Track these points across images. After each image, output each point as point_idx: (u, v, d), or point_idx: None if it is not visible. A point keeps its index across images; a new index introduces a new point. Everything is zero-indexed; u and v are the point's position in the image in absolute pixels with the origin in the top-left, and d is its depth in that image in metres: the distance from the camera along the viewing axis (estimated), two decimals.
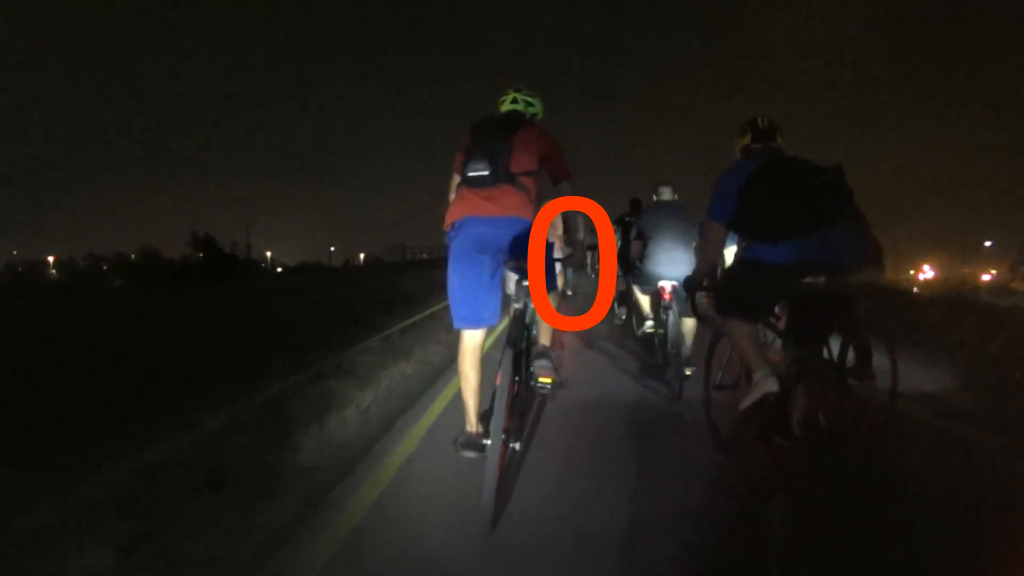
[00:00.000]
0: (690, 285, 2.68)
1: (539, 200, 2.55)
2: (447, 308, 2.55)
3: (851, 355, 2.32)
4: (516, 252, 2.43)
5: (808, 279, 2.24)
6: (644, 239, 4.54)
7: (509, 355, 2.36)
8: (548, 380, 2.64)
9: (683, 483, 2.61)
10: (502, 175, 2.41)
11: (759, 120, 2.63)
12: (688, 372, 3.92)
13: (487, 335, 2.51)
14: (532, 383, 2.71)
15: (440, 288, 3.10)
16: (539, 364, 2.67)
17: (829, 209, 2.23)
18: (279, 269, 65.59)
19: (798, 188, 2.26)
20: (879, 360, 3.12)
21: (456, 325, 2.47)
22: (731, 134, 2.80)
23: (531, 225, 2.44)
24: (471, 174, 2.42)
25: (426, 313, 8.47)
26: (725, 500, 2.44)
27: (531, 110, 2.80)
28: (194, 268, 45.94)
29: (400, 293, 12.57)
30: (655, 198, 4.69)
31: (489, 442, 2.19)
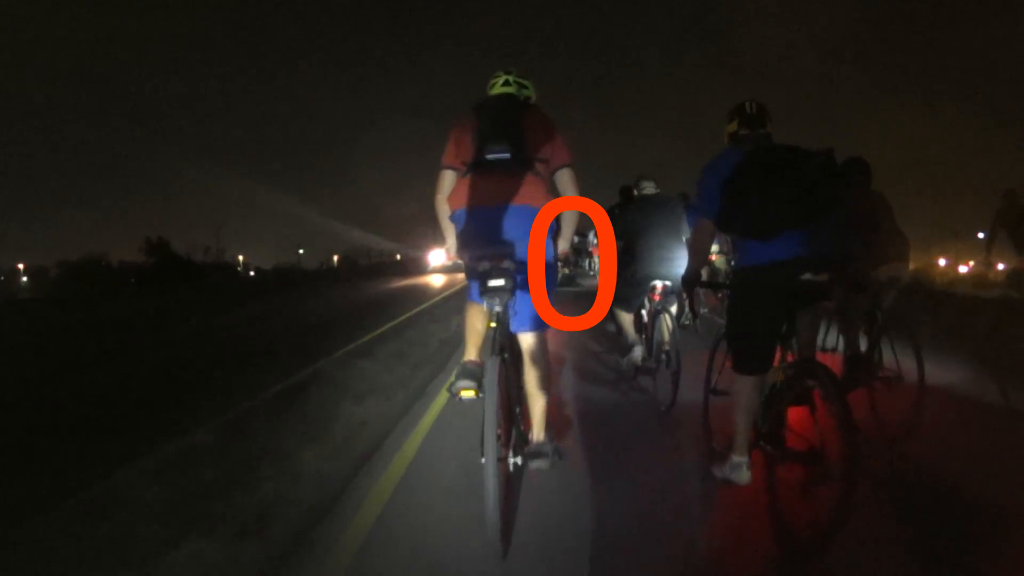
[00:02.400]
0: (689, 282, 2.51)
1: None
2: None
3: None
4: (523, 242, 2.27)
5: (808, 275, 2.07)
6: (629, 238, 4.14)
7: (494, 366, 2.07)
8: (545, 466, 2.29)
9: (675, 491, 2.51)
10: (523, 159, 2.27)
11: (747, 105, 2.47)
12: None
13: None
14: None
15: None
16: (534, 464, 2.24)
17: (823, 199, 2.08)
18: (251, 273, 59.60)
19: (787, 178, 2.10)
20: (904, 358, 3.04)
21: (471, 297, 2.47)
22: (719, 122, 2.64)
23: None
24: (491, 156, 2.26)
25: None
26: (714, 510, 2.33)
27: (525, 92, 2.59)
28: (146, 274, 42.38)
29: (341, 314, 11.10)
30: (637, 194, 4.41)
31: (484, 459, 1.92)
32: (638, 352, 4.06)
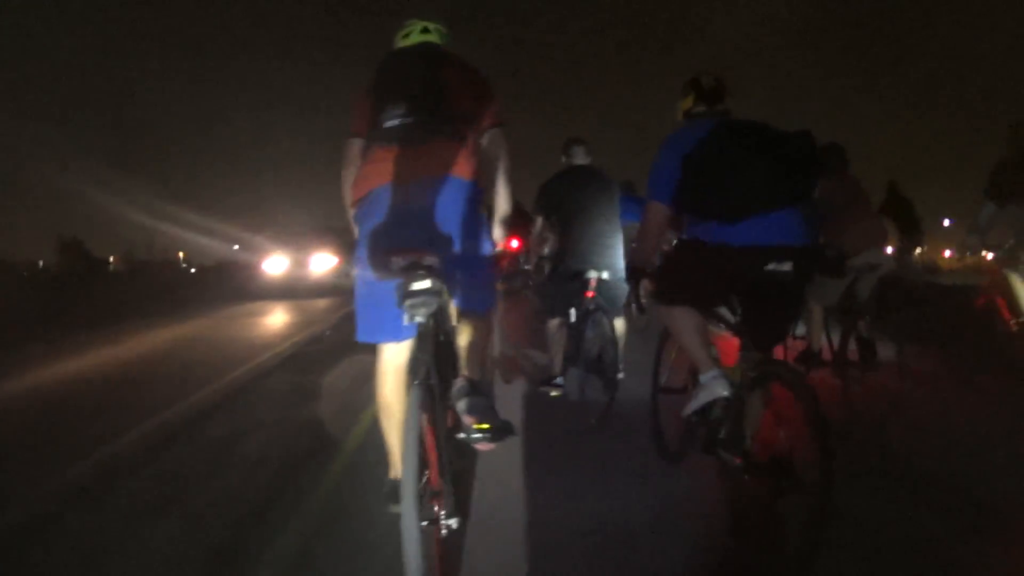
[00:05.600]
0: (634, 273, 2.28)
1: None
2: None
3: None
4: (449, 225, 1.77)
5: (772, 266, 1.85)
6: (563, 219, 3.38)
7: (417, 395, 1.52)
8: (484, 426, 1.72)
9: (618, 499, 2.26)
10: (434, 123, 1.80)
11: (703, 78, 2.24)
12: (619, 375, 3.29)
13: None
14: (460, 435, 1.78)
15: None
16: (467, 404, 1.75)
17: (799, 184, 1.89)
18: (192, 271, 47.11)
19: (764, 158, 1.90)
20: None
21: (364, 337, 1.83)
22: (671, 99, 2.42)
23: (472, 187, 1.82)
24: (389, 124, 1.78)
25: None
26: (663, 519, 2.11)
27: (445, 41, 2.14)
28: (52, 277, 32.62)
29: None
30: (565, 160, 3.58)
31: (407, 522, 1.37)
32: (560, 380, 3.44)
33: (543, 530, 2.04)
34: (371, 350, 1.89)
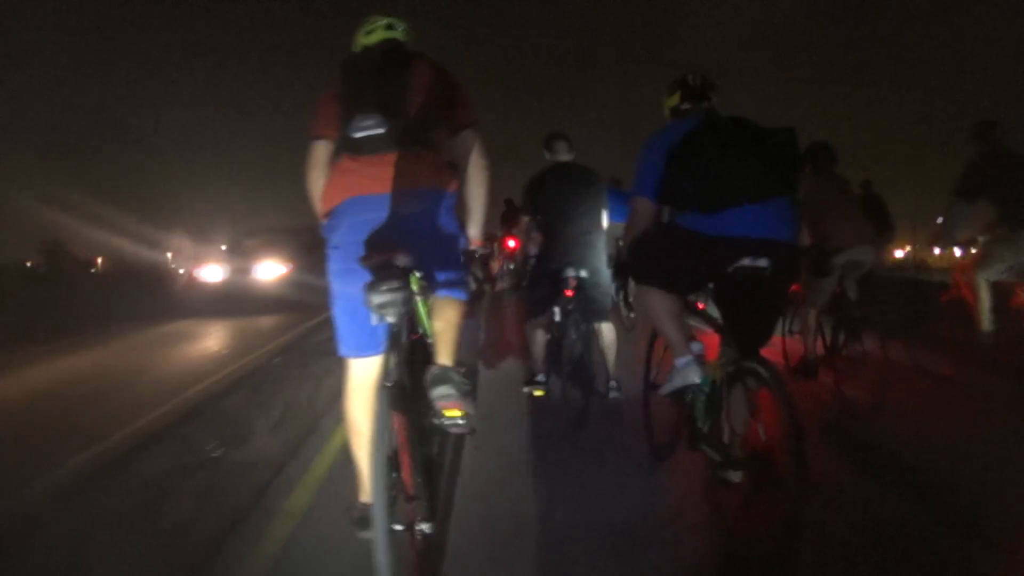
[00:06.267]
0: (622, 270, 2.27)
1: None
2: None
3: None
4: (424, 237, 1.73)
5: (747, 260, 1.86)
6: (547, 216, 3.33)
7: (388, 397, 1.51)
8: (457, 413, 1.71)
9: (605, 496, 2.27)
10: (403, 131, 1.74)
11: (690, 77, 2.27)
12: (613, 393, 3.25)
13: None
14: (435, 421, 1.76)
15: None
16: (440, 392, 1.70)
17: (779, 178, 1.90)
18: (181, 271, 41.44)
19: (744, 151, 1.91)
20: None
21: (345, 352, 1.79)
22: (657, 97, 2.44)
23: (444, 196, 1.78)
24: (358, 135, 1.72)
25: None
26: (647, 519, 2.12)
27: (410, 37, 2.04)
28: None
29: None
30: (548, 156, 3.50)
31: (378, 528, 1.37)
32: (541, 378, 3.39)
33: (522, 530, 2.05)
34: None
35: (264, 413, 3.51)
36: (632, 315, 5.38)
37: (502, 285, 9.17)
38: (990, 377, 3.76)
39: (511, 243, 8.82)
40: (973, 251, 3.93)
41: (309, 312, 7.59)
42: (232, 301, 9.12)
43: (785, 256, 1.90)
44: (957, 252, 4.19)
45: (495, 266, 9.47)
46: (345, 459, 2.06)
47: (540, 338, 3.39)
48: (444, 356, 1.82)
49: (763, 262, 1.85)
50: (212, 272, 10.06)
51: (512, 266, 9.11)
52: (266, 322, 7.77)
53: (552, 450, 2.81)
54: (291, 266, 9.50)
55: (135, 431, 3.28)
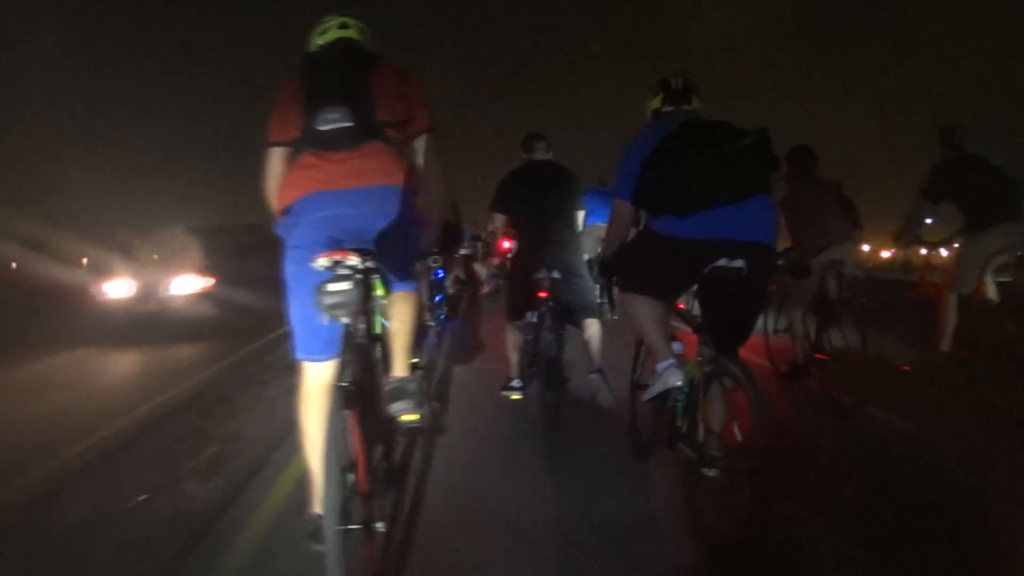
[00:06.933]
0: (607, 270, 2.31)
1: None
2: None
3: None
4: (384, 235, 1.73)
5: (723, 261, 1.89)
6: (518, 216, 3.29)
7: (342, 396, 1.53)
8: (414, 417, 1.85)
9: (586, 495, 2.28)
10: (369, 127, 1.73)
11: (672, 80, 2.29)
12: (597, 385, 3.16)
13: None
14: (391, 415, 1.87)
15: None
16: (398, 407, 1.81)
17: (749, 179, 1.91)
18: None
19: (714, 154, 1.92)
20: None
21: (301, 355, 1.74)
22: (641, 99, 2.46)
23: (406, 193, 1.77)
24: (325, 127, 1.70)
25: None
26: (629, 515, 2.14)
27: (366, 38, 2.02)
28: None
29: None
30: (525, 156, 3.45)
31: (328, 525, 1.40)
32: (517, 383, 3.32)
33: (492, 529, 2.06)
34: None
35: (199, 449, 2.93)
36: (615, 317, 5.30)
37: (486, 288, 8.73)
38: (957, 373, 3.79)
39: (506, 244, 8.43)
40: (944, 253, 4.02)
41: (235, 340, 5.75)
42: (139, 326, 6.76)
43: (761, 256, 1.92)
44: (923, 251, 4.29)
45: (479, 269, 9.25)
46: (296, 504, 1.93)
47: (518, 341, 3.35)
48: (399, 362, 1.87)
49: (739, 263, 1.87)
50: (117, 288, 7.20)
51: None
52: (182, 353, 5.73)
53: (525, 451, 2.79)
54: (212, 280, 7.06)
55: (36, 480, 2.64)
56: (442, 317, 5.39)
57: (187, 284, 7.05)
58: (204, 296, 6.96)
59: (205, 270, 7.14)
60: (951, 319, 3.70)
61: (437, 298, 5.22)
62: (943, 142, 3.74)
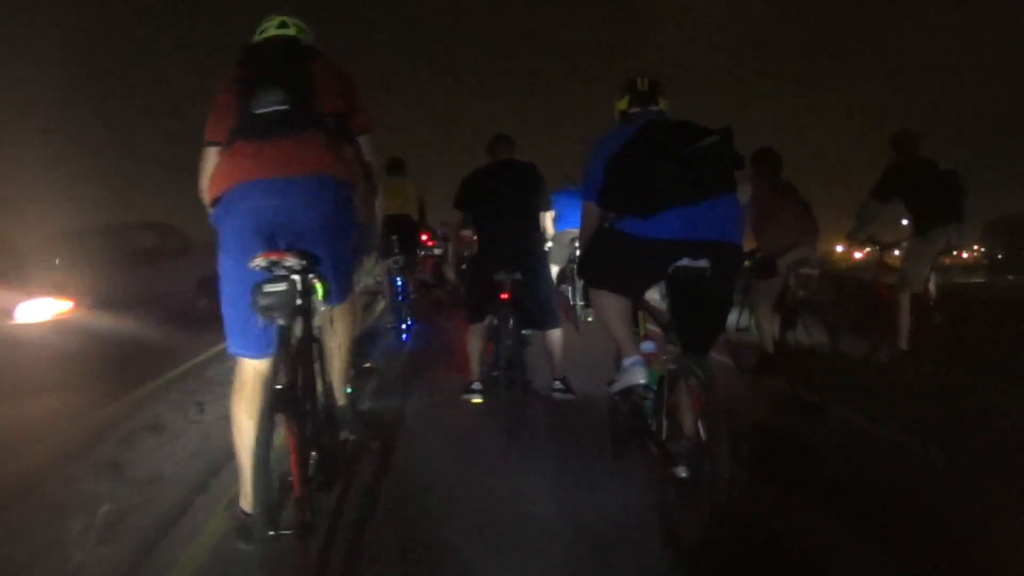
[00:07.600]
0: (584, 270, 2.32)
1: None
2: None
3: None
4: (316, 227, 1.69)
5: (686, 261, 1.90)
6: (481, 218, 3.21)
7: (275, 399, 1.50)
8: (354, 435, 1.95)
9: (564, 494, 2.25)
10: (307, 114, 1.71)
11: (638, 80, 2.30)
12: (558, 395, 3.13)
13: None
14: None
15: None
16: (342, 436, 1.90)
17: (711, 178, 1.91)
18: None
19: (676, 153, 1.92)
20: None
21: (235, 350, 1.72)
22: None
23: (343, 185, 1.75)
24: (262, 110, 1.67)
25: None
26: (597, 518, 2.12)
27: (306, 37, 2.02)
28: None
29: None
30: (490, 159, 3.36)
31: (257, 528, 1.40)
32: (478, 385, 3.27)
33: (448, 529, 2.03)
34: None
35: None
36: (590, 319, 5.08)
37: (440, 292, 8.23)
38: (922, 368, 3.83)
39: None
40: (897, 253, 4.16)
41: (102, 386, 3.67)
42: None
43: (726, 256, 1.93)
44: (872, 248, 4.45)
45: (447, 270, 8.88)
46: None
47: (479, 344, 3.27)
48: (337, 387, 1.89)
49: (703, 262, 1.88)
50: (30, 309, 4.92)
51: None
52: (43, 405, 3.55)
53: (487, 455, 2.69)
54: (71, 302, 4.97)
55: None
56: (408, 323, 5.25)
57: (39, 309, 4.86)
58: (59, 325, 4.80)
59: (65, 289, 5.04)
60: (905, 318, 3.80)
61: (400, 298, 5.10)
62: (896, 146, 3.91)
